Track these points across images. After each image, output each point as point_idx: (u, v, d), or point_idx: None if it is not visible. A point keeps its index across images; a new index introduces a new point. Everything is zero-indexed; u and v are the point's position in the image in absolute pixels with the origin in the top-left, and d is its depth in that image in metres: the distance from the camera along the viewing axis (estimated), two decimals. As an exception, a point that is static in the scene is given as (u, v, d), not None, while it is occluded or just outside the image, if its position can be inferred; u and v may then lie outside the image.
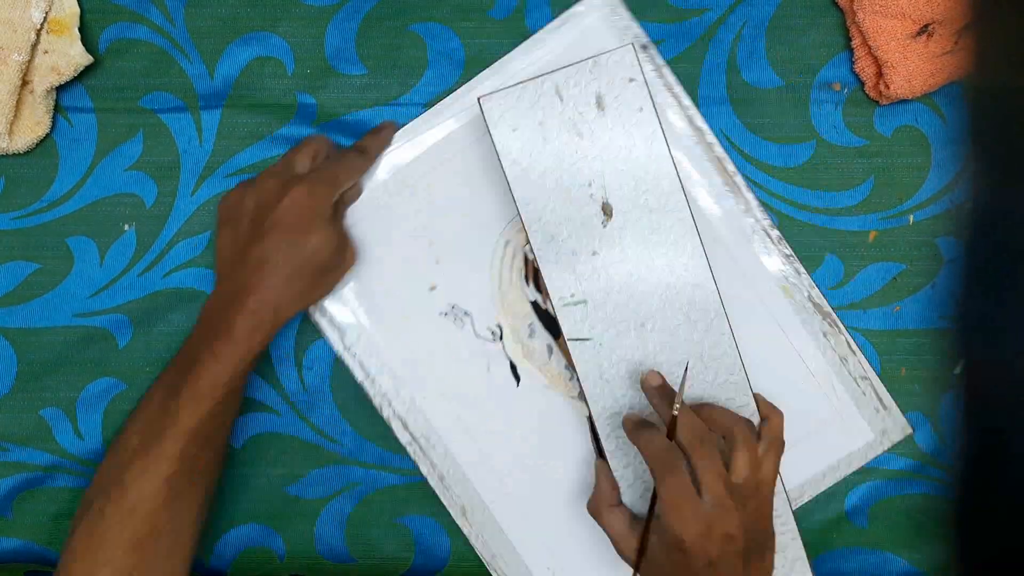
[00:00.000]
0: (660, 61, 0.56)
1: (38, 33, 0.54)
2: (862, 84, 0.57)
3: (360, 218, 0.56)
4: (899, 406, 0.57)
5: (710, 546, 0.46)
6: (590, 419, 0.55)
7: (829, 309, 0.56)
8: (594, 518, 0.52)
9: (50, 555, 0.58)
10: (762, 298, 0.56)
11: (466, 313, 0.56)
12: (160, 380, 0.51)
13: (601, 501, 0.52)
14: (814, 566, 0.57)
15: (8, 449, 0.58)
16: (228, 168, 0.57)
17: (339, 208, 0.54)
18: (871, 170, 0.57)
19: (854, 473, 0.57)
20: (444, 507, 0.57)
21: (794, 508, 0.55)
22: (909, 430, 0.57)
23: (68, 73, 0.55)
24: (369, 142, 0.55)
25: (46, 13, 0.54)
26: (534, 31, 0.57)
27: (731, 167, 0.56)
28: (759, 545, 0.49)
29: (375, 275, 0.56)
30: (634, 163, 0.53)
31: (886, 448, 0.57)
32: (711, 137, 0.56)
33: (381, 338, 0.56)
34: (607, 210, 0.52)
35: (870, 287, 0.57)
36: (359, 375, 0.57)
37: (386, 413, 0.57)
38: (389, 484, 0.58)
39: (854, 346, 0.57)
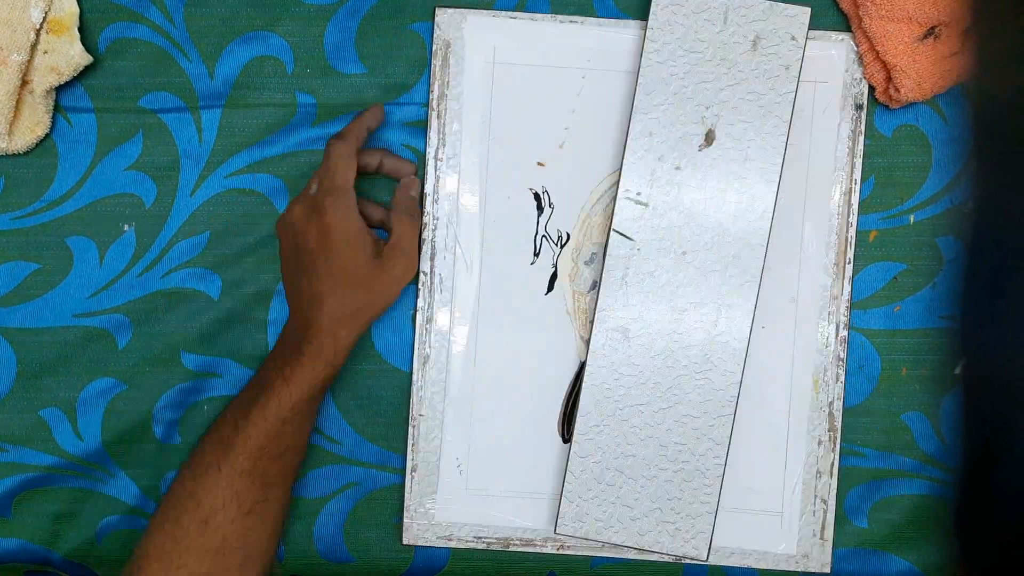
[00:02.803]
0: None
1: (37, 33, 0.54)
2: (872, 89, 0.56)
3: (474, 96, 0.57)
4: (899, 406, 0.57)
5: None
6: (581, 366, 0.56)
7: (839, 426, 0.56)
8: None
9: (50, 555, 0.58)
10: (793, 374, 0.57)
11: (551, 204, 0.56)
12: (235, 401, 0.53)
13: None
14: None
15: (7, 449, 0.58)
16: (228, 168, 0.57)
17: (388, 215, 0.56)
18: (871, 170, 0.57)
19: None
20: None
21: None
22: (827, 571, 0.56)
23: (68, 73, 0.55)
24: (350, 127, 0.55)
25: (45, 13, 0.54)
26: (534, 31, 0.57)
27: (851, 254, 0.56)
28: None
29: (491, 136, 0.57)
30: (756, 110, 0.54)
31: (799, 570, 0.56)
32: (854, 219, 0.56)
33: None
34: (709, 137, 0.54)
35: (871, 287, 0.57)
36: None
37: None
38: (389, 484, 0.58)
39: (835, 470, 0.57)
